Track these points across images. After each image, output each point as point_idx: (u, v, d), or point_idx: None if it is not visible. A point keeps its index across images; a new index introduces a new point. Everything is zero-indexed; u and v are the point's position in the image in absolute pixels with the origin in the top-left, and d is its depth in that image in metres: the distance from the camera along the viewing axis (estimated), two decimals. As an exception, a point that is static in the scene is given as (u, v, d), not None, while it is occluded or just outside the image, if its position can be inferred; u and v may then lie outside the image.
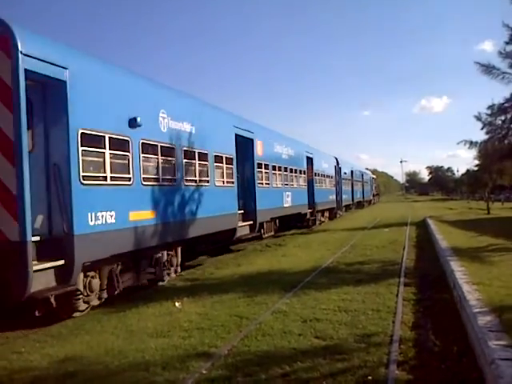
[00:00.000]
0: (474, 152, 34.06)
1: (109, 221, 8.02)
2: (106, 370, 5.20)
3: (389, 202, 74.70)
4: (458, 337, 5.69)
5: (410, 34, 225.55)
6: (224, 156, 13.56)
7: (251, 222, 15.52)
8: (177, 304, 8.19)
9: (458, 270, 8.66)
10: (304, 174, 23.94)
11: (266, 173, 17.66)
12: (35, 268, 6.34)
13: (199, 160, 11.88)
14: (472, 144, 16.30)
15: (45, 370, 5.34)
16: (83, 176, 7.43)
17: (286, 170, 20.47)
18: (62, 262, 6.91)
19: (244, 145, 15.46)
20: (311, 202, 24.64)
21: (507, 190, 58.49)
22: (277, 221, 19.16)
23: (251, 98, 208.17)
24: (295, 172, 22.16)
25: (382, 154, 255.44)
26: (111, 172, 8.20)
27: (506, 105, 14.26)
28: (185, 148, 11.06)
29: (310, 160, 25.07)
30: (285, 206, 19.89)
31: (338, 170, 33.72)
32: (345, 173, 37.08)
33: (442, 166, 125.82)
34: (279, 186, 19.34)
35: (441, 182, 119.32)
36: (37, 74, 6.73)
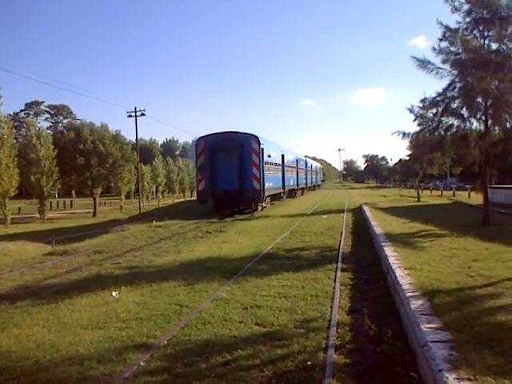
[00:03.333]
0: (406, 142, 35.70)
1: (268, 185, 28.45)
2: (36, 366, 4.93)
3: (327, 189, 76.81)
4: (392, 320, 5.93)
5: (347, 27, 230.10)
6: (279, 163, 33.96)
7: (283, 190, 35.88)
8: (114, 293, 7.89)
9: (392, 255, 8.96)
10: (294, 168, 43.63)
11: (286, 170, 37.05)
12: (262, 195, 27.23)
13: (275, 166, 32.19)
14: (405, 135, 16.87)
15: (-36, 369, 4.91)
16: (265, 173, 27.50)
17: (290, 167, 40.47)
18: (262, 195, 27.15)
19: (281, 157, 35.32)
20: (297, 184, 45.10)
21: (436, 178, 62.00)
22: (287, 192, 38.84)
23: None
24: (292, 168, 42.29)
25: (320, 142, 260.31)
26: (268, 171, 28.90)
27: (438, 98, 14.90)
28: (274, 162, 31.71)
29: (296, 160, 45.29)
30: (290, 184, 39.97)
31: (305, 164, 54.89)
32: (309, 166, 59.32)
33: (377, 155, 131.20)
34: (289, 175, 39.45)
35: (376, 171, 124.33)
36: (261, 148, 26.98)
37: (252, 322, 6.19)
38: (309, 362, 4.73)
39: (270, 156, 29.56)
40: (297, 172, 45.14)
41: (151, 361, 4.93)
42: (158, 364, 4.85)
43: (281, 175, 34.72)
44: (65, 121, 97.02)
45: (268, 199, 30.62)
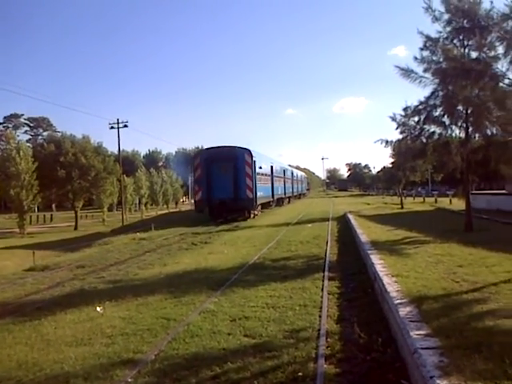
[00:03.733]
0: (389, 150, 36.13)
1: (259, 194, 31.23)
2: (18, 386, 4.76)
3: (311, 198, 77.09)
4: (381, 328, 5.91)
5: (327, 37, 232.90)
6: (268, 174, 36.81)
7: (272, 199, 38.56)
8: (98, 309, 7.75)
9: (378, 262, 8.99)
10: (282, 178, 46.16)
11: (275, 179, 39.69)
12: (254, 204, 30.29)
13: (266, 176, 35.22)
14: (387, 143, 17.05)
15: None
16: (257, 183, 30.38)
17: (279, 177, 43.11)
18: (255, 203, 30.19)
19: (270, 168, 37.91)
20: (284, 193, 47.56)
21: (418, 185, 62.85)
22: (276, 200, 41.24)
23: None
24: (280, 178, 44.77)
25: (304, 151, 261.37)
26: (259, 181, 31.80)
27: (420, 107, 15.14)
28: (265, 173, 34.72)
29: (283, 170, 48.20)
30: (279, 193, 42.65)
31: (292, 174, 58.24)
32: (295, 176, 62.93)
33: (360, 163, 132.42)
34: (277, 185, 41.75)
35: (359, 179, 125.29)
36: (253, 160, 29.93)
37: (241, 333, 6.12)
38: (299, 373, 4.67)
39: (261, 167, 32.57)
40: (284, 182, 47.88)
41: (139, 377, 4.81)
42: (145, 380, 4.74)
43: (270, 185, 37.71)
44: (45, 133, 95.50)
45: (259, 207, 33.40)
